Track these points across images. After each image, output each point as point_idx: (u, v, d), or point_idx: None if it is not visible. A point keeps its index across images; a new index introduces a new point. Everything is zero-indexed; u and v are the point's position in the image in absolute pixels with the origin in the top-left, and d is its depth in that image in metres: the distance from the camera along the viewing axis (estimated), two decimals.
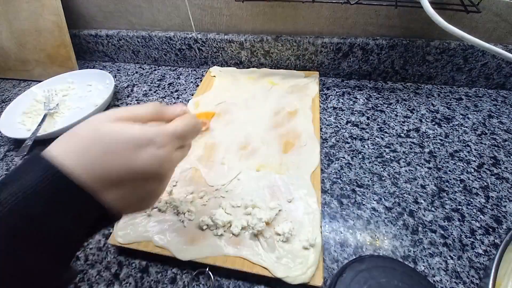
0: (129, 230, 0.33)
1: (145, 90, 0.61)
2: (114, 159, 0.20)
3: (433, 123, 0.47)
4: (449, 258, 0.31)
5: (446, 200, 0.36)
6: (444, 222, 0.34)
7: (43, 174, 0.18)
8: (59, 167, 0.18)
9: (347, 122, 0.48)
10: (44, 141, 0.49)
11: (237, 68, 0.62)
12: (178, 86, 0.61)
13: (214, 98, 0.53)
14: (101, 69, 0.67)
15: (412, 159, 0.41)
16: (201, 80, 0.60)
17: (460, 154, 0.41)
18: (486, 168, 0.39)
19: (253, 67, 0.62)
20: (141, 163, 0.21)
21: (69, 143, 0.20)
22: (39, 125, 0.49)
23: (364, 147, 0.43)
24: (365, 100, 0.52)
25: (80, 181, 0.18)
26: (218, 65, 0.63)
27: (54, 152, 0.19)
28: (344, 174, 0.40)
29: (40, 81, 0.61)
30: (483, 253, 0.31)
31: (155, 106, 0.24)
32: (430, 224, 0.33)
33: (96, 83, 0.61)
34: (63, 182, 0.18)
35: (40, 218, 0.17)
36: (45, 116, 0.52)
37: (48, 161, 0.18)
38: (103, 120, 0.21)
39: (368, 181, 0.39)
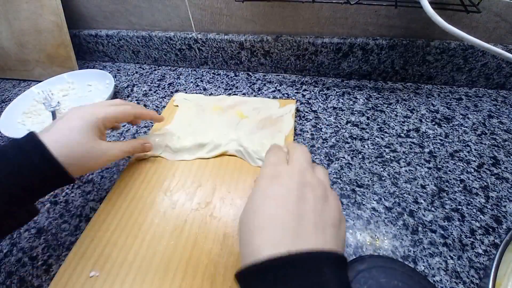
0: None
1: (145, 90, 0.61)
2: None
3: (433, 123, 0.47)
4: (449, 258, 0.31)
5: (446, 200, 0.36)
6: (444, 222, 0.34)
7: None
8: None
9: (347, 122, 0.48)
10: None
11: (204, 95, 0.55)
12: (178, 86, 0.61)
13: (174, 133, 0.46)
14: (101, 69, 0.67)
15: (412, 159, 0.41)
16: (201, 80, 0.60)
17: (460, 154, 0.41)
18: (486, 168, 0.39)
19: (253, 67, 0.62)
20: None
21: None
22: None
23: (364, 147, 0.43)
24: (365, 100, 0.52)
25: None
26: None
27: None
28: (344, 174, 0.40)
29: (40, 81, 0.61)
30: (483, 253, 0.31)
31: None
32: (430, 224, 0.34)
33: (96, 83, 0.61)
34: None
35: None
36: (53, 113, 0.53)
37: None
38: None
39: (368, 181, 0.39)
